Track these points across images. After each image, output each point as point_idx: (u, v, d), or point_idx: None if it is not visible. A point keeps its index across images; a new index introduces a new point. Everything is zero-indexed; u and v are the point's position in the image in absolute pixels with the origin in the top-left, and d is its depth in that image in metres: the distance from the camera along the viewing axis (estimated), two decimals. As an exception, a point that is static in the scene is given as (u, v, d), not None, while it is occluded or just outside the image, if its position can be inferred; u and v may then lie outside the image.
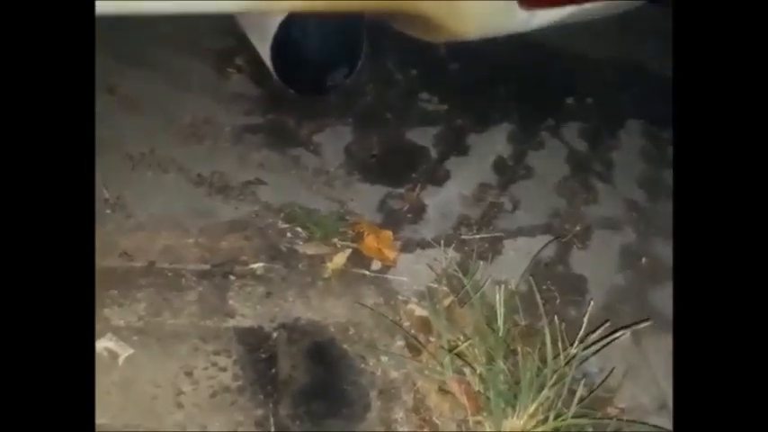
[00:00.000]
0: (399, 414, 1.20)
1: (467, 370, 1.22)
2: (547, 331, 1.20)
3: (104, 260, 1.32)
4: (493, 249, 1.56)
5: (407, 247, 1.51)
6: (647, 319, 1.33)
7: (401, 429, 1.18)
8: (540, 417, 1.16)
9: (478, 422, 1.18)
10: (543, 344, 1.21)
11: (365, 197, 1.63)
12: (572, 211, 1.76)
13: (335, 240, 1.46)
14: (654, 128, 2.20)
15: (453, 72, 2.23)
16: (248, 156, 1.67)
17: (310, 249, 1.44)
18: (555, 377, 1.15)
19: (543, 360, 1.20)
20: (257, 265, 1.38)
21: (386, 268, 1.44)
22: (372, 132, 1.86)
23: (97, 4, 0.95)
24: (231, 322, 1.28)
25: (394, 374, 1.26)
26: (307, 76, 1.59)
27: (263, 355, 1.23)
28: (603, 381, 1.28)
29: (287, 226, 1.48)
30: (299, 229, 1.47)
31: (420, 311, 1.36)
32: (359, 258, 1.45)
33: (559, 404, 1.17)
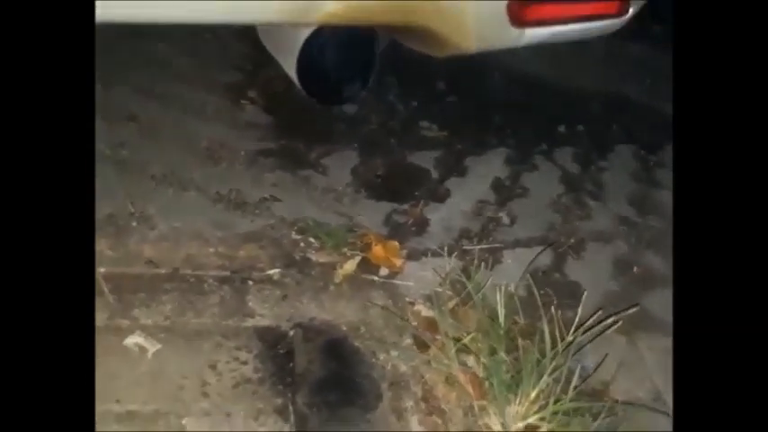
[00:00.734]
0: (409, 403, 1.28)
1: (471, 361, 1.30)
2: (545, 323, 1.30)
3: (132, 267, 1.42)
4: (493, 258, 1.66)
5: (413, 255, 1.61)
6: (636, 305, 1.42)
7: (411, 417, 1.26)
8: (541, 402, 1.24)
9: (483, 408, 1.26)
10: (542, 339, 1.30)
11: (372, 212, 1.74)
12: (566, 226, 1.87)
13: (345, 250, 1.56)
14: (642, 152, 2.33)
15: (451, 103, 2.37)
16: (262, 176, 1.78)
17: (322, 258, 1.54)
18: (553, 365, 1.24)
19: (542, 353, 1.29)
20: (273, 271, 1.48)
21: (393, 274, 1.54)
22: (377, 156, 1.98)
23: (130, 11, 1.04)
24: (250, 322, 1.37)
25: (403, 368, 1.34)
26: (327, 88, 1.73)
27: (281, 351, 1.32)
28: (598, 366, 1.37)
29: (300, 237, 1.58)
30: (311, 240, 1.58)
31: (426, 312, 1.45)
32: (367, 266, 1.55)
33: (558, 391, 1.25)
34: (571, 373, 1.28)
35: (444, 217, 1.79)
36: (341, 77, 1.69)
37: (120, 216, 1.53)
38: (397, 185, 1.87)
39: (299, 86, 1.62)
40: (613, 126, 2.44)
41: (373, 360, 1.35)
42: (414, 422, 1.25)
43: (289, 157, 1.88)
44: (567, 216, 1.91)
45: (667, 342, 1.52)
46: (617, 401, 1.30)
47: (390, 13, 1.08)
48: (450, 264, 1.55)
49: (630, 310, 1.41)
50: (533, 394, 1.24)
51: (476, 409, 1.27)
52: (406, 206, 1.79)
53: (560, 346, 1.26)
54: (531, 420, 1.23)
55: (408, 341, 1.39)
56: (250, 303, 1.40)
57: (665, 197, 2.11)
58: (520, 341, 1.34)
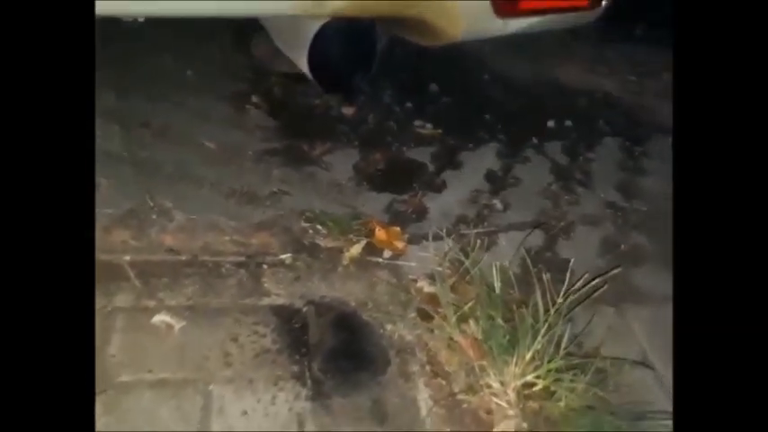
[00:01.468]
0: (415, 367, 1.40)
1: (471, 328, 1.42)
2: (538, 292, 1.41)
3: (154, 255, 1.54)
4: (488, 240, 1.78)
5: (414, 239, 1.73)
6: (618, 266, 1.54)
7: (418, 379, 1.37)
8: (537, 363, 1.36)
9: (483, 369, 1.37)
10: (535, 305, 1.41)
11: (373, 202, 1.86)
12: (557, 211, 1.99)
13: (351, 235, 1.68)
14: (627, 143, 2.46)
15: (444, 104, 2.50)
16: (270, 173, 1.90)
17: (329, 243, 1.66)
18: (546, 327, 1.36)
19: (536, 318, 1.40)
20: (285, 256, 1.59)
21: (396, 256, 1.66)
22: (376, 152, 2.10)
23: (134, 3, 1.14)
24: (266, 301, 1.48)
25: (408, 337, 1.46)
26: (335, 77, 1.87)
27: (296, 325, 1.43)
28: (587, 324, 1.48)
29: (308, 225, 1.70)
30: (318, 227, 1.69)
31: (428, 288, 1.57)
32: (372, 249, 1.66)
33: (551, 350, 1.36)
34: (563, 336, 1.39)
35: (442, 205, 1.91)
36: (347, 67, 1.83)
37: (140, 210, 1.65)
38: (397, 178, 2.00)
39: (310, 77, 1.75)
40: (599, 120, 2.57)
41: (381, 331, 1.46)
42: (420, 384, 1.37)
43: (293, 156, 2.00)
44: (557, 202, 2.04)
45: (652, 312, 1.65)
46: (605, 358, 1.41)
47: (392, 6, 1.21)
48: (449, 244, 1.66)
49: (613, 272, 1.52)
50: (529, 355, 1.35)
51: (477, 370, 1.38)
52: (405, 196, 1.91)
53: (552, 310, 1.37)
54: (527, 378, 1.34)
55: (412, 314, 1.51)
56: (265, 284, 1.52)
57: (650, 183, 2.24)
58: (515, 309, 1.45)
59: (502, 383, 1.35)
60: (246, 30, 2.55)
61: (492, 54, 2.84)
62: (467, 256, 1.60)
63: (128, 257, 1.51)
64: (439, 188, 1.99)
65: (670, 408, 1.39)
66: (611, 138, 2.48)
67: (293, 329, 1.42)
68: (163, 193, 1.72)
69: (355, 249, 1.64)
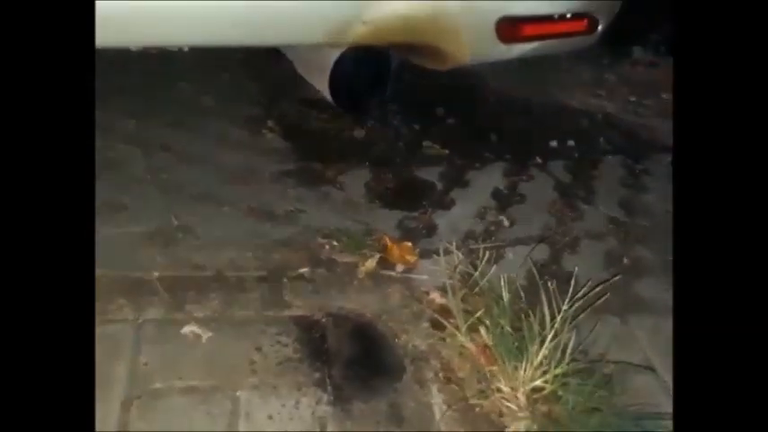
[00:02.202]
0: (429, 374, 1.48)
1: (481, 336, 1.50)
2: (544, 301, 1.49)
3: (180, 271, 1.63)
4: (496, 254, 1.86)
5: (424, 254, 1.81)
6: (617, 275, 1.62)
7: (432, 385, 1.44)
8: (545, 368, 1.43)
9: (494, 374, 1.45)
10: (543, 316, 1.49)
11: (385, 219, 1.95)
12: (561, 226, 2.08)
13: (365, 251, 1.77)
14: (629, 161, 2.55)
15: (451, 125, 2.60)
16: (286, 193, 2.00)
17: (345, 258, 1.75)
18: (552, 333, 1.43)
19: (542, 325, 1.48)
20: (304, 270, 1.68)
21: (408, 270, 1.74)
22: (387, 172, 2.20)
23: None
24: (287, 312, 1.57)
25: (422, 346, 1.54)
26: (353, 99, 1.98)
27: (316, 335, 1.52)
28: (593, 329, 1.55)
29: (325, 241, 1.79)
30: (334, 243, 1.78)
31: (440, 300, 1.65)
32: (385, 263, 1.75)
33: (558, 356, 1.44)
34: (569, 343, 1.47)
35: (451, 221, 2.00)
36: (364, 90, 1.94)
37: (166, 229, 1.74)
38: (407, 196, 2.09)
39: (331, 100, 1.86)
40: (600, 139, 2.67)
41: (396, 340, 1.54)
42: (434, 389, 1.44)
43: (308, 176, 2.10)
44: (561, 218, 2.12)
45: (656, 321, 1.73)
46: (609, 362, 1.48)
47: (406, 34, 1.32)
48: (459, 258, 1.75)
49: (614, 279, 1.60)
50: (537, 361, 1.43)
51: (487, 375, 1.45)
52: (416, 213, 2.00)
53: (558, 318, 1.45)
54: (536, 383, 1.41)
55: (425, 324, 1.59)
56: (286, 297, 1.60)
57: (652, 200, 2.32)
58: (523, 318, 1.53)
59: (512, 388, 1.42)
60: (256, 57, 2.68)
61: (496, 78, 2.95)
62: (475, 268, 1.69)
63: (156, 273, 1.59)
64: (448, 206, 2.08)
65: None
66: (612, 156, 2.56)
67: (313, 339, 1.50)
68: (187, 212, 1.81)
69: (370, 264, 1.72)
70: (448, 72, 1.92)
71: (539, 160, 2.44)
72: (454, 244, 1.78)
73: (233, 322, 1.51)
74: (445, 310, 1.62)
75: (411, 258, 1.77)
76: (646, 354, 1.64)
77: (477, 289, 1.64)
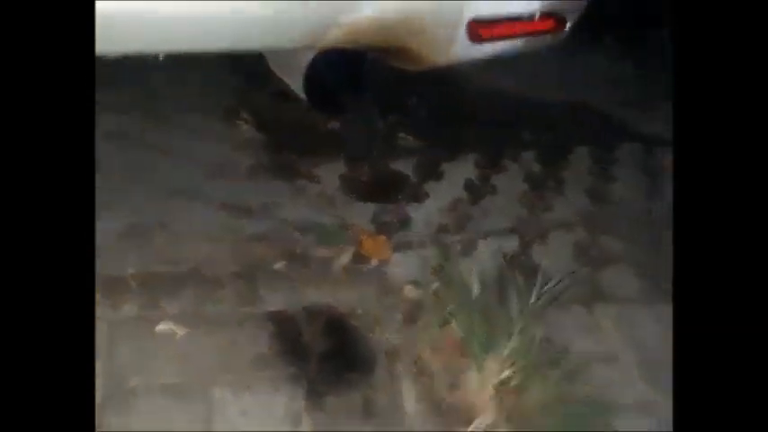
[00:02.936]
0: (402, 367, 1.52)
1: (452, 328, 1.54)
2: (513, 292, 1.54)
3: (158, 266, 1.64)
4: (469, 246, 1.90)
5: (398, 247, 1.85)
6: (572, 271, 1.68)
7: (404, 378, 1.49)
8: (513, 359, 1.48)
9: (464, 367, 1.49)
10: (511, 308, 1.54)
11: (360, 212, 1.98)
12: (532, 218, 2.12)
13: (340, 245, 1.79)
14: (598, 151, 2.60)
15: (425, 117, 2.62)
16: (261, 186, 2.01)
17: (320, 252, 1.77)
18: (520, 326, 1.48)
19: (511, 319, 1.53)
20: (279, 265, 1.70)
21: (382, 264, 1.78)
22: (362, 164, 2.22)
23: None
24: (262, 307, 1.59)
25: (395, 341, 1.57)
26: (328, 100, 2.00)
27: (291, 330, 1.55)
28: (558, 323, 1.61)
29: (300, 235, 1.81)
30: (310, 237, 1.81)
31: (412, 293, 1.69)
32: (360, 257, 1.78)
33: (525, 348, 1.49)
34: (536, 335, 1.52)
35: (424, 214, 2.03)
36: (338, 89, 1.96)
37: (141, 225, 1.75)
38: (381, 189, 2.11)
39: (306, 100, 1.87)
40: (571, 130, 2.71)
41: (369, 334, 1.58)
42: (407, 382, 1.48)
43: (284, 170, 2.11)
44: (532, 209, 2.16)
45: (619, 309, 1.79)
46: (572, 353, 1.54)
47: (379, 36, 1.34)
48: (432, 251, 1.78)
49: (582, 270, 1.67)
50: (506, 352, 1.47)
51: (458, 368, 1.50)
52: (390, 206, 2.03)
53: (526, 310, 1.50)
54: (504, 375, 1.46)
55: (398, 317, 1.63)
56: (261, 292, 1.63)
57: (619, 188, 2.37)
58: (493, 310, 1.57)
59: (481, 380, 1.47)
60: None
61: (468, 70, 2.97)
62: (448, 261, 1.72)
63: (131, 270, 1.61)
64: (421, 198, 2.11)
65: (635, 400, 1.53)
66: (583, 146, 2.61)
67: (288, 334, 1.53)
68: (162, 208, 1.82)
69: (344, 258, 1.75)
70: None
71: (510, 151, 2.47)
72: (428, 241, 1.82)
73: (208, 319, 1.53)
74: (417, 303, 1.66)
75: (385, 253, 1.80)
76: (609, 342, 1.70)
77: (449, 282, 1.68)
